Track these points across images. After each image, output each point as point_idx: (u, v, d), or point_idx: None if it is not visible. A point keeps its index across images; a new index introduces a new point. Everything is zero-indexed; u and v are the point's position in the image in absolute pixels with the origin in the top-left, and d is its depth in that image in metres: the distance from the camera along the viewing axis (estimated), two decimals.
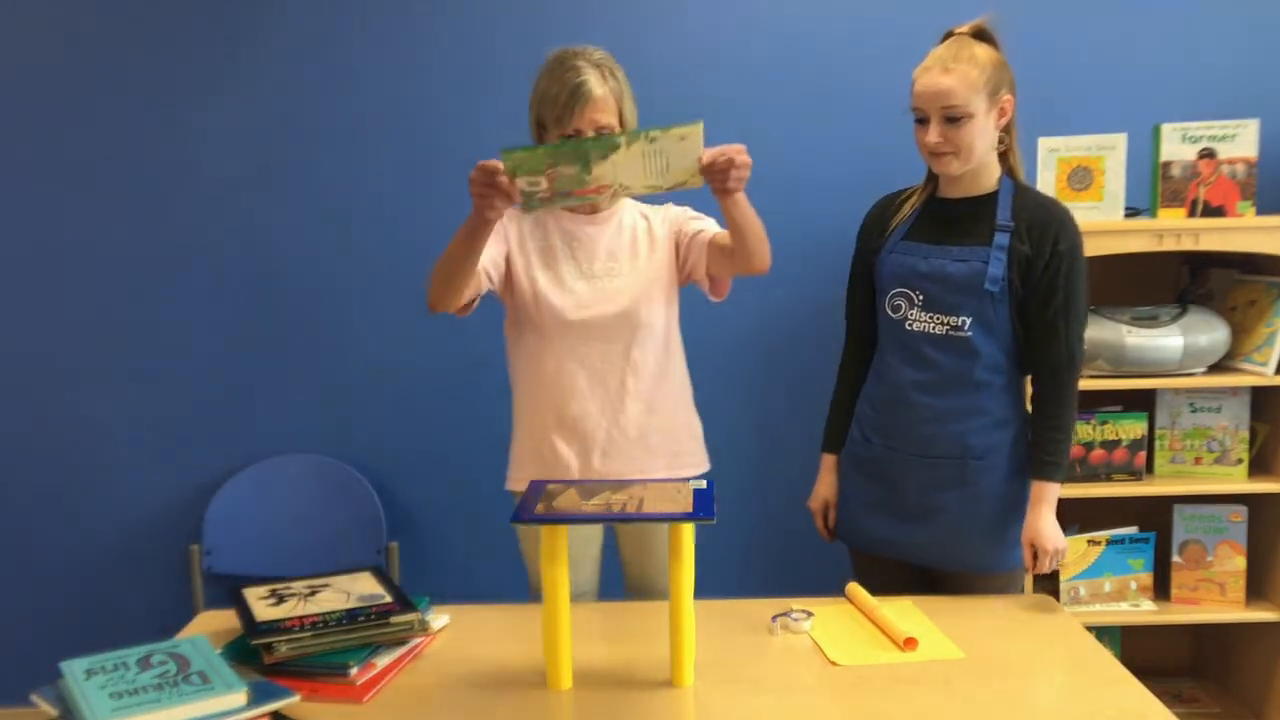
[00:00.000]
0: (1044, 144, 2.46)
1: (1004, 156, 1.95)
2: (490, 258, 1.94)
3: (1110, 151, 2.45)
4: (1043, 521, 1.91)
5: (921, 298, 1.94)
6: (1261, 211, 2.46)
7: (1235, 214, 2.44)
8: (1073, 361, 1.91)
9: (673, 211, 2.06)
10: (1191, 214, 2.45)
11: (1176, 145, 2.45)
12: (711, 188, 1.67)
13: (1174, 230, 2.40)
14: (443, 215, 2.74)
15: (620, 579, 2.15)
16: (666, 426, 2.03)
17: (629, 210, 2.05)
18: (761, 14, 2.70)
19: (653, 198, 1.87)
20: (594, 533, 2.09)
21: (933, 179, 2.01)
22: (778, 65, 2.70)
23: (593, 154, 1.54)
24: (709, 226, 2.00)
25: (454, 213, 2.83)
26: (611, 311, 1.96)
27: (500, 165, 1.57)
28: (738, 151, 1.63)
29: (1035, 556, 1.92)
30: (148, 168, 2.74)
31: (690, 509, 1.55)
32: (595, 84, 1.86)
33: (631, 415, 1.99)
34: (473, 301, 1.95)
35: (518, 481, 2.06)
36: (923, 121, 1.89)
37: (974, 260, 1.90)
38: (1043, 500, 1.92)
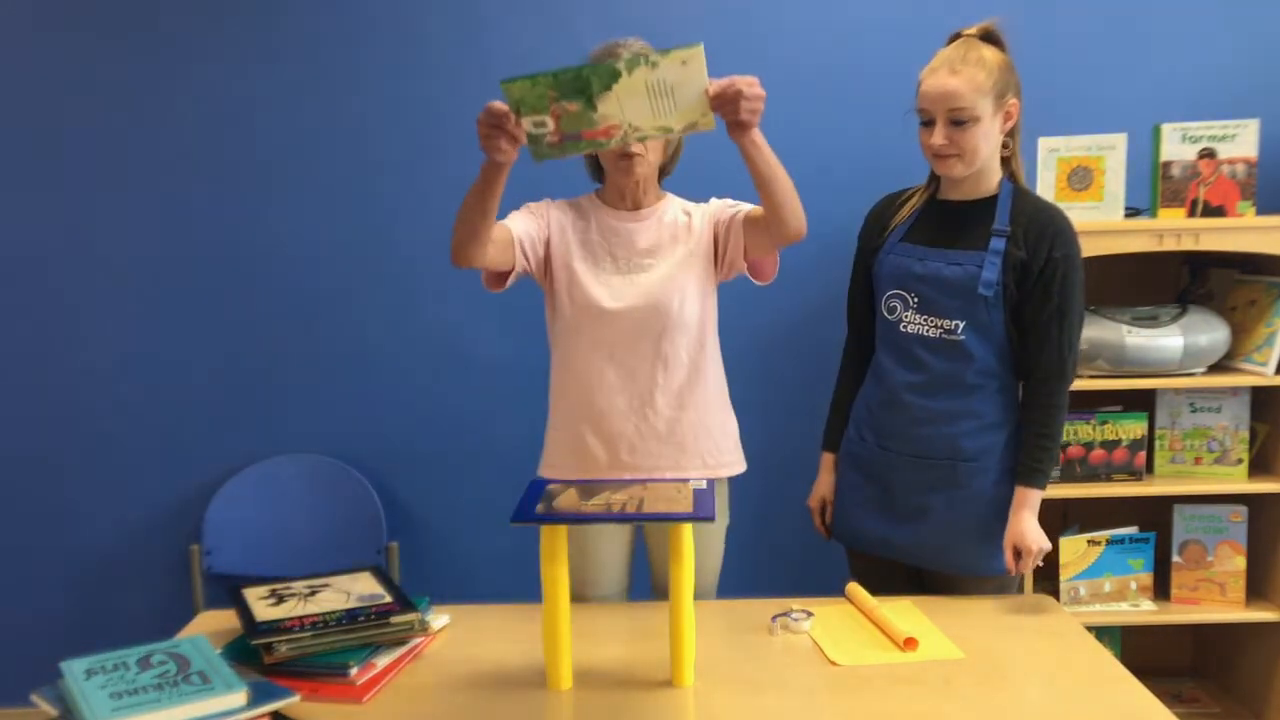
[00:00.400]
0: (1044, 144, 2.45)
1: (1006, 160, 1.95)
2: (528, 233, 1.94)
3: (1110, 151, 2.45)
4: (1025, 525, 1.90)
5: (916, 300, 1.94)
6: (1261, 211, 2.46)
7: (1235, 214, 2.43)
8: (1064, 369, 1.90)
9: (714, 205, 2.04)
10: (1191, 214, 2.45)
11: (1176, 145, 2.45)
12: (725, 124, 1.62)
13: (1174, 230, 2.40)
14: (444, 215, 2.75)
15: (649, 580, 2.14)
16: (699, 424, 2.00)
17: (671, 206, 2.03)
18: (768, 8, 2.70)
19: (678, 154, 1.82)
20: (619, 534, 2.06)
21: (934, 180, 2.01)
22: (782, 63, 2.70)
23: (594, 84, 1.51)
24: (745, 207, 1.98)
25: (455, 214, 2.83)
26: (643, 304, 1.94)
27: (506, 108, 1.55)
28: (748, 83, 1.58)
29: (1018, 558, 1.91)
30: (148, 167, 2.74)
31: (690, 509, 1.55)
32: None
33: (661, 412, 1.97)
34: (506, 275, 1.94)
35: (549, 470, 2.06)
36: (928, 123, 1.88)
37: (969, 264, 1.89)
38: (1025, 505, 1.91)
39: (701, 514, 1.53)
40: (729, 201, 2.03)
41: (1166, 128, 2.45)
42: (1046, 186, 2.46)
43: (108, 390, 2.81)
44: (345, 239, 2.77)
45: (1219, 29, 2.68)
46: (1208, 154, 2.44)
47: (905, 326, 1.96)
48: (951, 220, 1.96)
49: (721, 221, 1.99)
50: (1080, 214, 2.44)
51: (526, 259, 1.94)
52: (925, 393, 1.94)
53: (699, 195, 2.08)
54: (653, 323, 1.95)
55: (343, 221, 2.77)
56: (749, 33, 2.70)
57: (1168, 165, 2.45)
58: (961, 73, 1.83)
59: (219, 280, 2.78)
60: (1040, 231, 1.88)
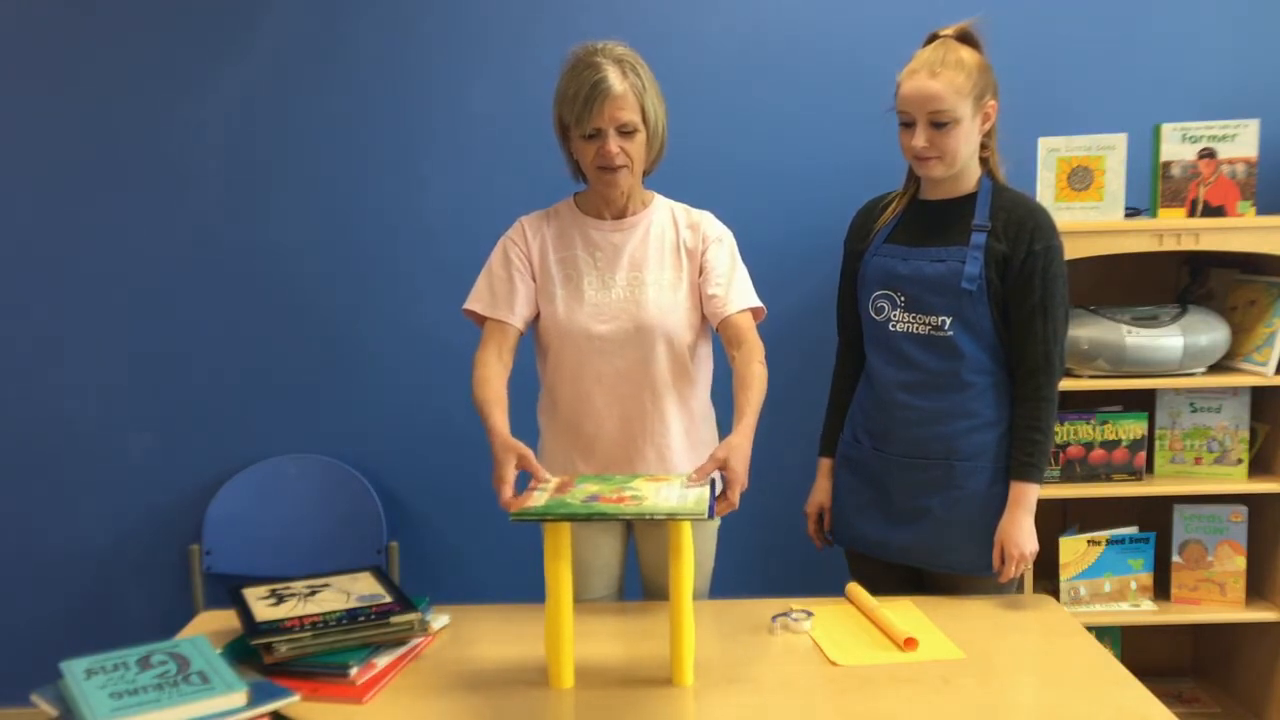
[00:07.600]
0: (1044, 144, 2.45)
1: (985, 159, 1.95)
2: (521, 316, 1.92)
3: (1110, 151, 2.45)
4: (1016, 525, 1.89)
5: (903, 299, 1.94)
6: (1261, 211, 2.46)
7: (1235, 214, 2.43)
8: (1050, 362, 1.89)
9: (705, 229, 1.95)
10: (1191, 214, 2.45)
11: (1176, 145, 2.45)
12: None
13: (1174, 230, 2.40)
14: (443, 216, 2.76)
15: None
16: (686, 447, 1.96)
17: (659, 213, 1.96)
18: (760, 8, 2.69)
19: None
20: (613, 536, 2.05)
21: (914, 181, 2.01)
22: (781, 63, 2.70)
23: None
24: (726, 299, 1.90)
25: (454, 214, 2.82)
26: (631, 326, 1.89)
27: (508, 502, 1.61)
28: (738, 491, 1.66)
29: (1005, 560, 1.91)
30: (148, 167, 2.74)
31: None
32: (614, 80, 1.79)
33: (650, 436, 1.94)
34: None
35: None
36: (908, 125, 1.88)
37: (951, 260, 1.90)
38: (1019, 503, 1.90)
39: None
40: (715, 256, 1.93)
41: (1166, 128, 2.45)
42: (1046, 186, 2.46)
43: (108, 390, 2.81)
44: (345, 239, 2.77)
45: (1219, 29, 2.68)
46: (1208, 154, 2.44)
47: (894, 326, 1.96)
48: (933, 219, 1.96)
49: (704, 283, 1.92)
50: (1080, 214, 2.44)
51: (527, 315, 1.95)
52: (917, 392, 1.94)
53: (682, 193, 2.04)
54: (641, 345, 1.90)
55: (342, 221, 2.76)
56: (741, 32, 2.69)
57: (1168, 165, 2.45)
58: (941, 75, 1.83)
59: (219, 280, 2.78)
60: (1020, 225, 1.88)
